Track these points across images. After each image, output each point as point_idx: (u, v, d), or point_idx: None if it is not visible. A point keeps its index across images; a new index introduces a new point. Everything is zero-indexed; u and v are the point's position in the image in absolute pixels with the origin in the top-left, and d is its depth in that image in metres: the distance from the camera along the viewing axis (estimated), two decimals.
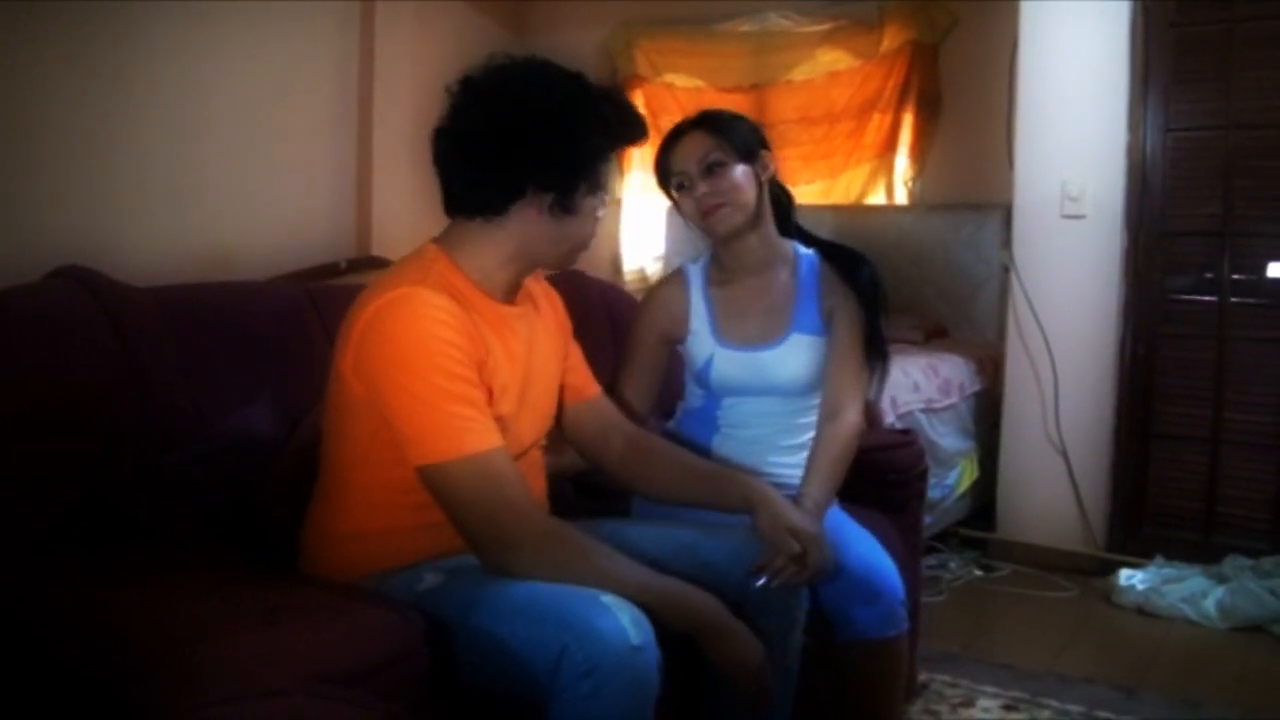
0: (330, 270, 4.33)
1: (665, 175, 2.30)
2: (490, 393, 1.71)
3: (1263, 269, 3.78)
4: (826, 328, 2.33)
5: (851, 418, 2.31)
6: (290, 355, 2.22)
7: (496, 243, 1.76)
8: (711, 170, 2.23)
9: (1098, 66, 3.88)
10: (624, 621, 1.50)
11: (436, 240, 1.80)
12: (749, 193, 2.26)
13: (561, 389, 2.00)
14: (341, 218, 4.84)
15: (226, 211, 4.21)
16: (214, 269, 3.91)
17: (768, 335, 2.32)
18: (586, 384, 2.06)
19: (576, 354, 2.06)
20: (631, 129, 1.81)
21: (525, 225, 1.75)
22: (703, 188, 2.22)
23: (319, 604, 1.49)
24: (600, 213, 1.83)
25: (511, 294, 1.83)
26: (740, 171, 2.24)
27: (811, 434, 2.34)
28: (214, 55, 4.16)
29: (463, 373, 1.63)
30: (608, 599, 1.54)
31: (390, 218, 4.92)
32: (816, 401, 2.36)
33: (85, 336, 1.88)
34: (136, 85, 3.91)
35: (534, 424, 1.87)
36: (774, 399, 2.33)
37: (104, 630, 1.42)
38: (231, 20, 4.20)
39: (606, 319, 2.99)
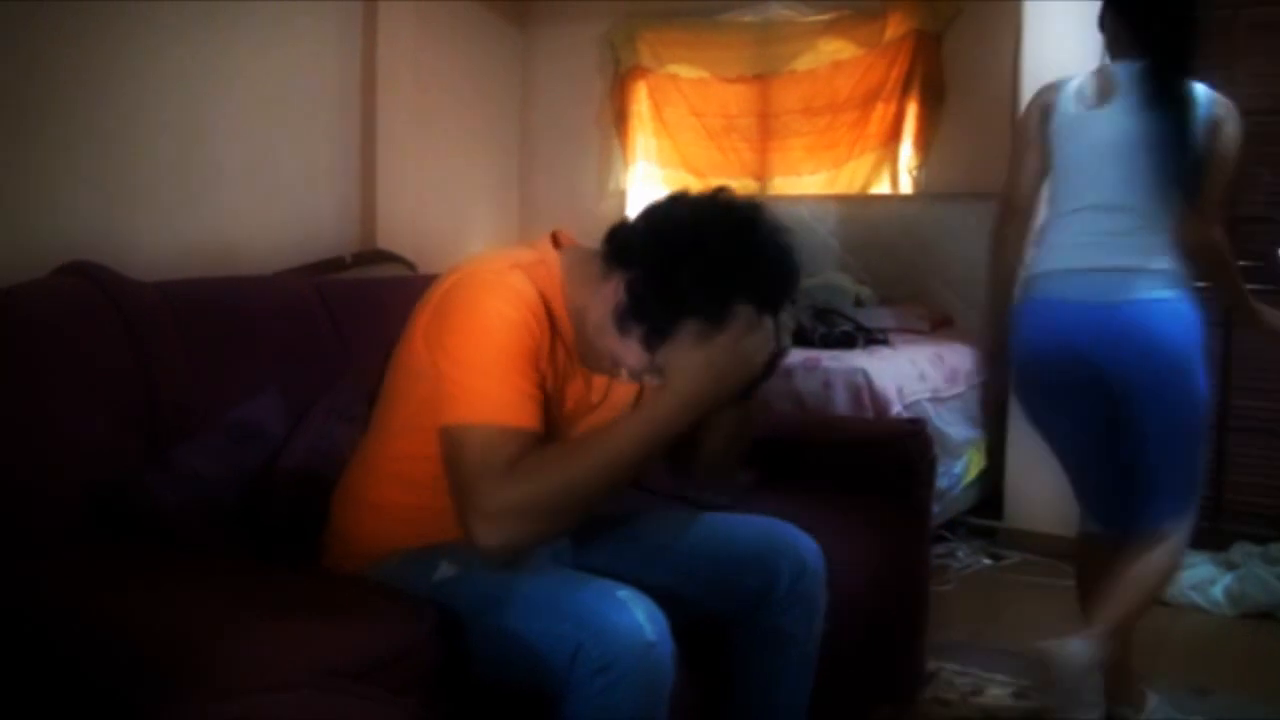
0: (336, 264, 4.34)
1: None
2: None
3: (1270, 255, 3.78)
4: None
5: None
6: (297, 348, 2.22)
7: (598, 297, 1.68)
8: None
9: (1102, 54, 3.86)
10: (640, 617, 1.50)
11: (561, 247, 1.75)
12: None
13: None
14: (347, 212, 4.84)
15: (233, 207, 4.22)
16: (220, 264, 3.91)
17: None
18: None
19: None
20: (775, 289, 1.65)
21: (625, 341, 1.66)
22: None
23: (328, 596, 1.49)
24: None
25: (594, 358, 1.73)
26: None
27: None
28: (220, 51, 4.16)
29: (521, 355, 1.59)
30: (624, 593, 1.53)
31: (395, 212, 4.92)
32: None
33: (94, 331, 1.89)
34: (143, 82, 3.91)
35: None
36: None
37: (111, 623, 1.42)
38: (237, 17, 4.20)
39: None
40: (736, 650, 1.88)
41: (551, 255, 1.73)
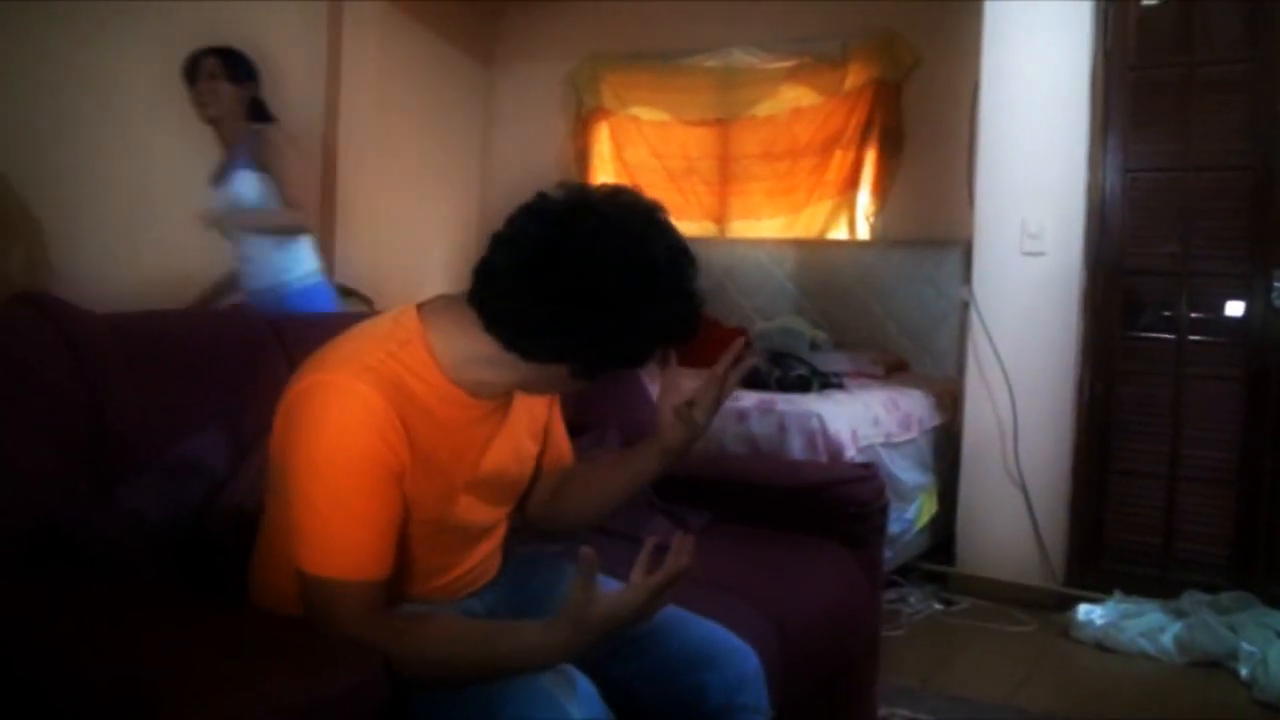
0: None
1: None
2: (412, 502, 1.56)
3: (1219, 308, 3.83)
4: None
5: None
6: (250, 383, 2.20)
7: (499, 364, 1.55)
8: None
9: (1058, 107, 3.92)
10: (571, 712, 1.45)
11: (425, 310, 1.58)
12: None
13: (539, 460, 1.87)
14: None
15: (187, 237, 4.18)
16: (173, 295, 3.88)
17: None
18: (563, 454, 1.93)
19: (556, 427, 1.91)
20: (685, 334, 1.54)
21: (540, 369, 1.55)
22: None
23: (276, 634, 1.47)
24: None
25: (488, 392, 1.62)
26: None
27: None
28: (178, 79, 4.14)
29: (369, 486, 1.49)
30: (548, 680, 1.47)
31: (353, 246, 4.91)
32: None
33: (42, 362, 1.86)
34: (93, 105, 3.88)
35: (489, 507, 1.74)
36: None
37: (49, 657, 1.40)
38: (188, 37, 4.18)
39: None
40: None
41: (412, 324, 1.56)
